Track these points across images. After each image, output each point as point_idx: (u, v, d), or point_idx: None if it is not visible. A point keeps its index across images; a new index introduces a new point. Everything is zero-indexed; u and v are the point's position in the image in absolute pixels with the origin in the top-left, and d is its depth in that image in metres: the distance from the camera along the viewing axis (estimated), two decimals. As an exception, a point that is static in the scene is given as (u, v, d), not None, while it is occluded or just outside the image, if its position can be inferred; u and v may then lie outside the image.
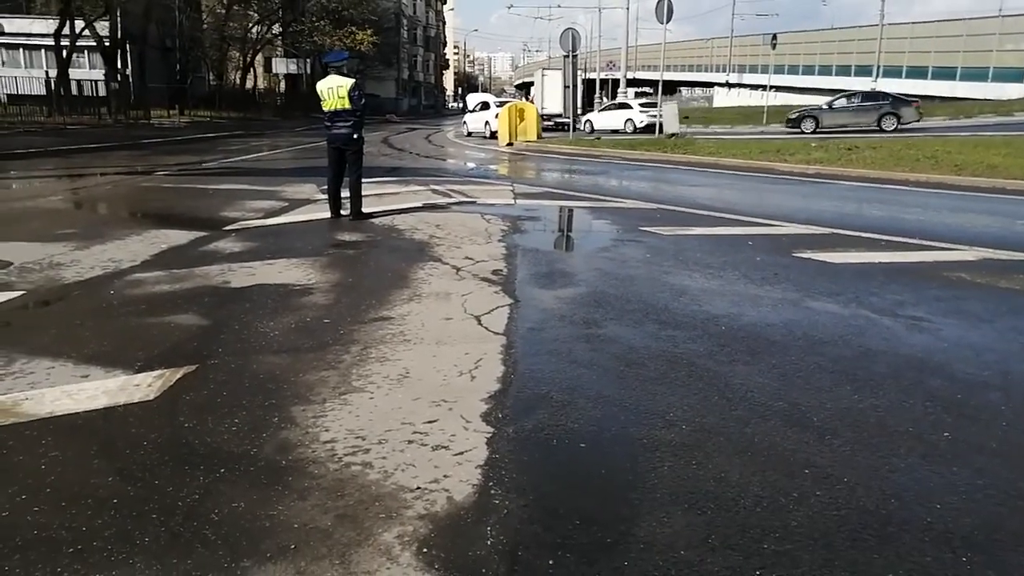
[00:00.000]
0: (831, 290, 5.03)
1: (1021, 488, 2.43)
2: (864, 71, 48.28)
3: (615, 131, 25.41)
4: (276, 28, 48.89)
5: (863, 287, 5.10)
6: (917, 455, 2.66)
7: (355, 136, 7.99)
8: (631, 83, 54.75)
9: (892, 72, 46.18)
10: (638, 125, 23.19)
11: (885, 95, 27.19)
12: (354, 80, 7.99)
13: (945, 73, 42.33)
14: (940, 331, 4.16)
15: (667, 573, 1.98)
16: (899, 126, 24.71)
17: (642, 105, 28.98)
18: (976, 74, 40.37)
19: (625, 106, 29.46)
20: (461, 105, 39.05)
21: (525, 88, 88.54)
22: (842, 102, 27.45)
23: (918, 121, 25.36)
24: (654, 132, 24.09)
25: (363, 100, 8.00)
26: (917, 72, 44.33)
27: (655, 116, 25.68)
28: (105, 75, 31.70)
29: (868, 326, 4.21)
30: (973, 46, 40.80)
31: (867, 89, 31.57)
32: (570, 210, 9.31)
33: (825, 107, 27.40)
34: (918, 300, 4.78)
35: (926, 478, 2.50)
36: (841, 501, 2.34)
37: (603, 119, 25.70)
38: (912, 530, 2.19)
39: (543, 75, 31.40)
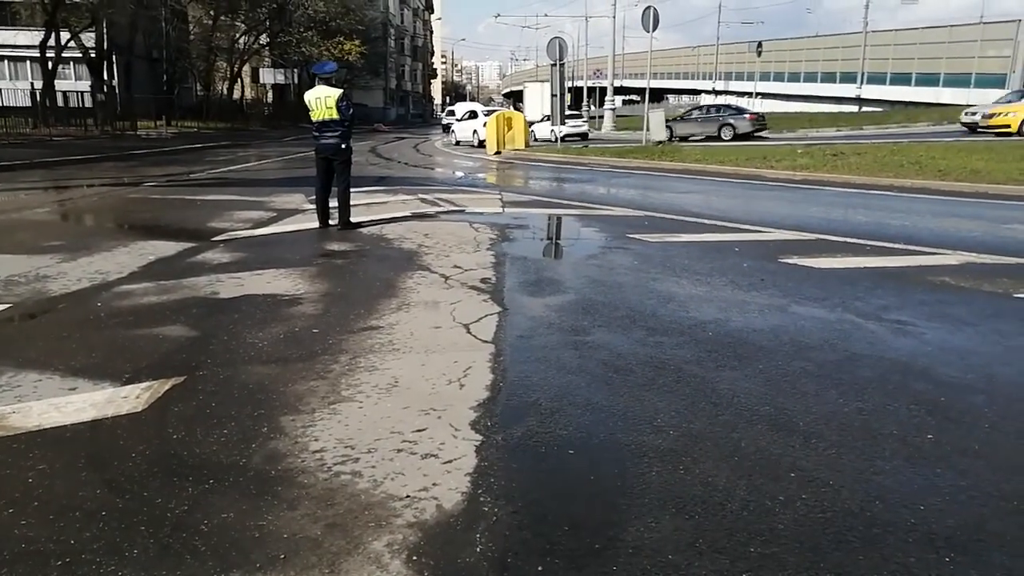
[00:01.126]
0: (817, 295, 5.07)
1: (1004, 489, 2.47)
2: (849, 78, 48.82)
3: (547, 140, 28.21)
4: (263, 38, 48.91)
5: (849, 292, 5.15)
6: (901, 457, 2.69)
7: (343, 146, 8.01)
8: (619, 91, 55.27)
9: (876, 79, 46.72)
10: (559, 135, 25.37)
11: (728, 108, 30.76)
12: (342, 90, 8.01)
13: (929, 79, 42.88)
14: (924, 335, 4.21)
15: (655, 577, 1.99)
16: (736, 135, 27.64)
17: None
18: (959, 80, 40.90)
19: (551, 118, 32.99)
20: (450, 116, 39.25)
21: (513, 96, 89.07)
22: (694, 113, 31.26)
23: (756, 131, 27.97)
24: (579, 141, 29.01)
25: (351, 110, 8.02)
26: (901, 78, 44.86)
27: (575, 126, 30.71)
28: (91, 86, 31.61)
29: (853, 331, 4.25)
30: (955, 52, 41.37)
31: (718, 102, 35.82)
32: (558, 218, 9.34)
33: (679, 118, 31.12)
34: (903, 304, 4.83)
35: (910, 480, 2.53)
36: (826, 504, 2.36)
37: (540, 130, 29.26)
38: (896, 531, 2.21)
39: (524, 87, 36.65)
